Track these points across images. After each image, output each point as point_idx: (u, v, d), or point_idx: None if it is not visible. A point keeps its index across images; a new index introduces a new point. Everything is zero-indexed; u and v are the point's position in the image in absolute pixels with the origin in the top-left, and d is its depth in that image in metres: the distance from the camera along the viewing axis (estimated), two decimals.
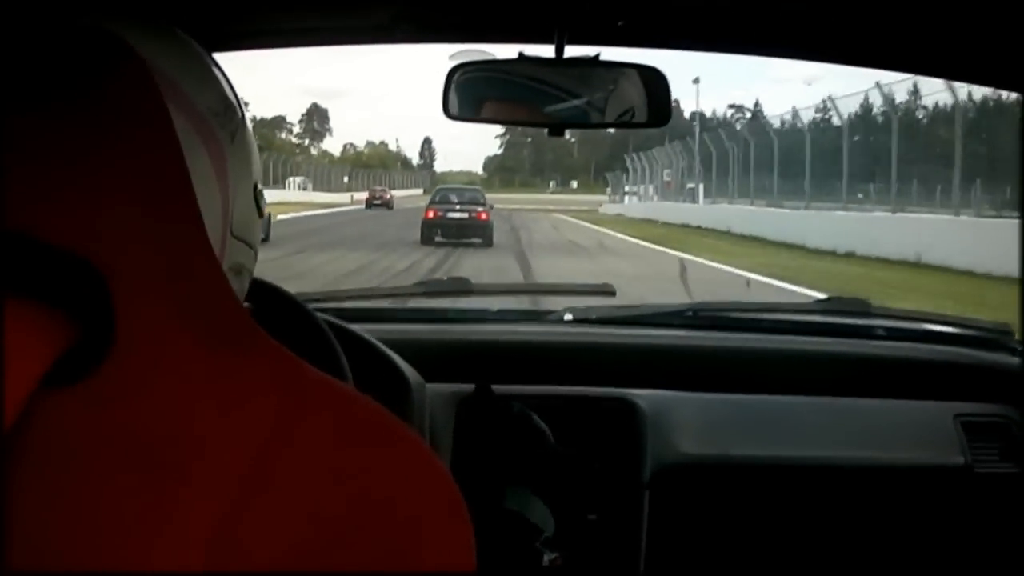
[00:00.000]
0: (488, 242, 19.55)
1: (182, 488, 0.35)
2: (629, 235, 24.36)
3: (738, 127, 34.78)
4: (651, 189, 43.58)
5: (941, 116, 18.72)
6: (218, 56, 0.66)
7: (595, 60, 1.19)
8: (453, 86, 1.21)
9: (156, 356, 0.37)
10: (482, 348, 1.30)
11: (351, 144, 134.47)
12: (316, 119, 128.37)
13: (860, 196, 20.19)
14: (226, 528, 0.35)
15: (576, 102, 1.22)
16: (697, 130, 38.60)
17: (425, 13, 1.21)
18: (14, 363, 0.33)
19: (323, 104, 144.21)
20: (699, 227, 26.54)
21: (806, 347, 1.68)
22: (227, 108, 0.60)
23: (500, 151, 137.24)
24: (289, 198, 40.64)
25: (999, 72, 1.29)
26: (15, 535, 0.33)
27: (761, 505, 1.43)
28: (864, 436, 1.48)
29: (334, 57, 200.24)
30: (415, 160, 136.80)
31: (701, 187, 34.08)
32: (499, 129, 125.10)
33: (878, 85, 16.71)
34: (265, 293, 0.90)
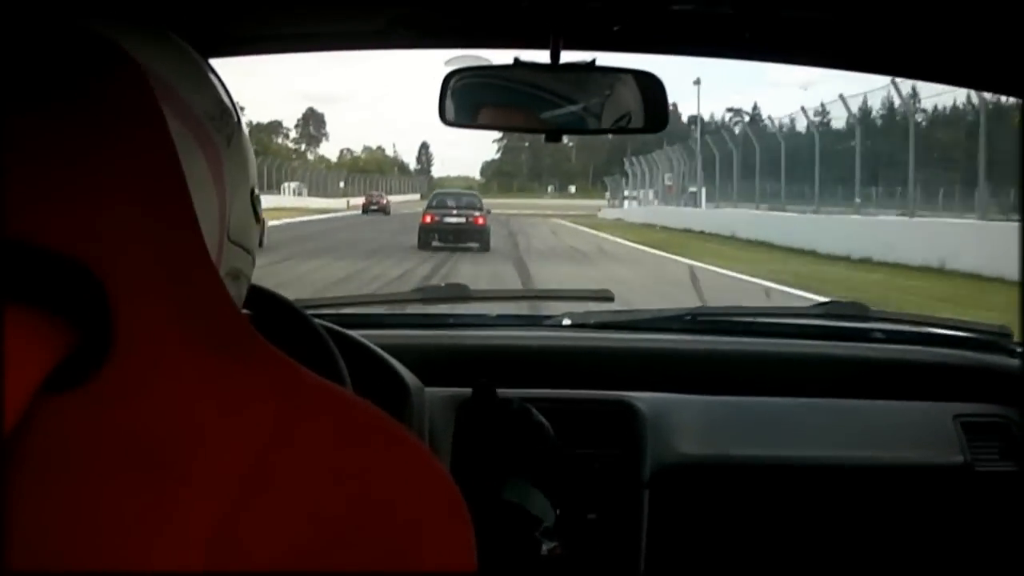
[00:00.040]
0: (485, 246, 19.57)
1: (182, 489, 0.35)
2: (630, 240, 23.88)
3: (736, 131, 34.12)
4: (651, 194, 42.95)
5: (941, 118, 18.03)
6: (215, 61, 0.67)
7: (591, 65, 1.19)
8: (449, 92, 1.22)
9: (155, 359, 0.37)
10: (481, 353, 1.30)
11: (348, 149, 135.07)
12: (312, 124, 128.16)
13: (858, 200, 19.94)
14: (226, 528, 0.35)
15: (572, 108, 1.22)
16: (698, 133, 38.01)
17: (422, 18, 1.21)
18: (14, 369, 0.34)
19: (320, 109, 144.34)
20: (702, 232, 26.14)
21: (805, 350, 1.68)
22: (223, 112, 0.60)
23: (498, 156, 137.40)
24: (284, 204, 40.36)
25: (998, 77, 1.29)
26: (15, 536, 0.33)
27: (761, 505, 1.43)
28: (864, 436, 1.48)
29: (332, 62, 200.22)
30: (412, 165, 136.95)
31: (703, 191, 33.32)
32: (497, 134, 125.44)
33: (894, 83, 15.91)
34: (263, 299, 0.90)
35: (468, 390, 1.28)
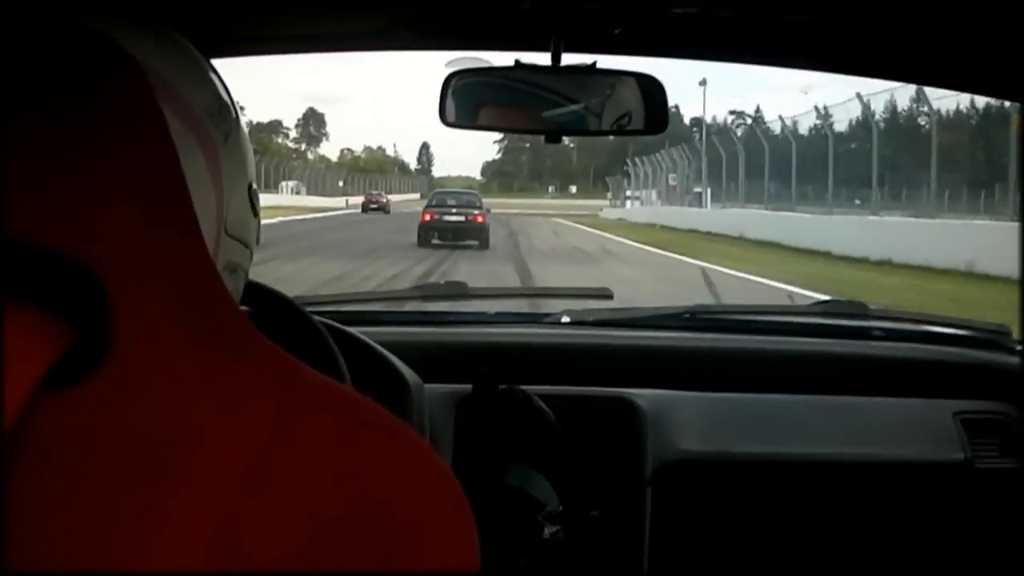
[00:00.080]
0: (485, 244, 19.65)
1: (181, 488, 0.35)
2: (635, 240, 23.28)
3: (739, 133, 33.51)
4: (653, 194, 42.07)
5: (945, 121, 17.36)
6: (215, 61, 0.66)
7: (592, 68, 1.20)
8: (450, 93, 1.22)
9: (154, 358, 0.37)
10: (480, 350, 1.30)
11: (348, 149, 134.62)
12: (312, 124, 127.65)
13: (858, 201, 19.62)
14: (226, 528, 0.35)
15: (573, 108, 1.23)
16: (703, 133, 37.27)
17: (421, 19, 1.22)
18: (13, 367, 0.34)
19: (322, 109, 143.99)
20: (708, 232, 25.50)
21: (805, 348, 1.68)
22: (221, 108, 0.61)
23: (499, 156, 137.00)
24: (281, 202, 39.97)
25: (997, 81, 1.29)
26: (15, 536, 0.33)
27: (763, 501, 1.43)
28: (864, 433, 1.48)
29: (333, 63, 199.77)
30: (413, 165, 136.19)
31: (708, 191, 32.45)
32: (497, 135, 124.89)
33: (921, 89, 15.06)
34: (262, 296, 0.91)
35: (467, 386, 1.28)
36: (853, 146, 20.56)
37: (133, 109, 0.42)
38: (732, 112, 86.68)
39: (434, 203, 22.10)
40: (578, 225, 34.75)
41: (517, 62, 1.19)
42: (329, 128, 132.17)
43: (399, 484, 0.39)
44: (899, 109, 19.42)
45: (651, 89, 1.20)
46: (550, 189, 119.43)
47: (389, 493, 0.38)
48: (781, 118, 23.05)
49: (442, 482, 0.40)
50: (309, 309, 0.98)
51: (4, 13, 0.41)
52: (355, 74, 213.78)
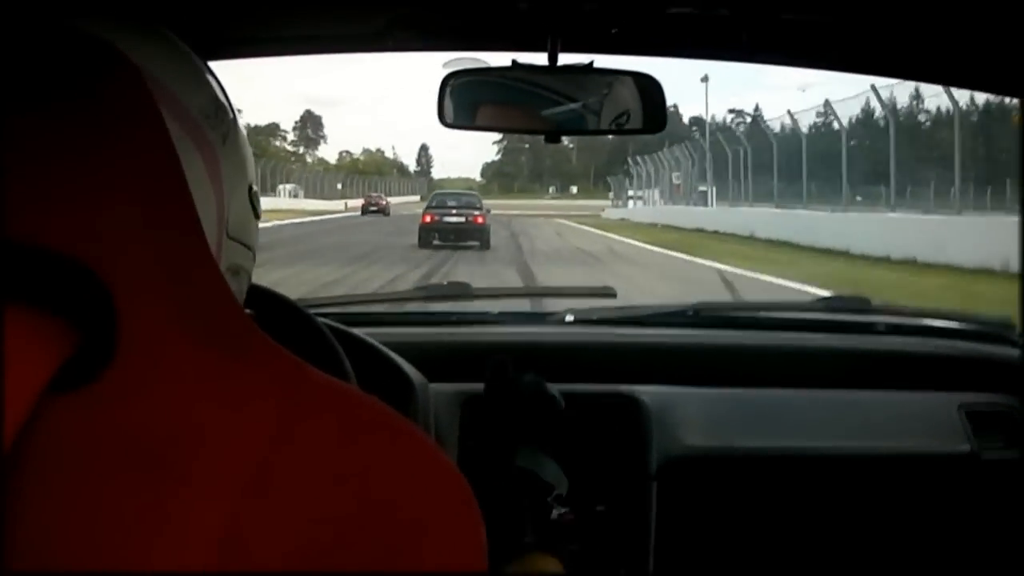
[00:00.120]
0: (485, 245, 19.68)
1: (184, 489, 0.35)
2: (642, 241, 22.46)
3: (739, 131, 32.86)
4: (655, 193, 41.24)
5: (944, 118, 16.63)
6: (213, 64, 0.67)
7: (589, 67, 1.21)
8: (448, 94, 1.23)
9: (157, 358, 0.38)
10: (484, 349, 1.29)
11: (347, 152, 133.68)
12: (310, 126, 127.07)
13: (859, 198, 19.23)
14: (229, 529, 0.35)
15: (572, 107, 1.23)
16: (707, 130, 36.47)
17: (419, 21, 1.22)
18: (18, 371, 0.34)
19: (320, 112, 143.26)
20: (716, 232, 24.61)
21: (808, 343, 1.68)
22: (218, 110, 0.61)
23: (498, 157, 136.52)
24: (279, 206, 39.49)
25: (997, 78, 1.30)
26: (17, 536, 0.33)
27: (768, 496, 1.44)
28: (868, 427, 1.48)
29: (331, 65, 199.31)
30: (412, 167, 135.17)
31: (713, 190, 31.59)
32: (497, 136, 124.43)
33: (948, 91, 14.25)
34: (266, 299, 0.91)
35: (472, 385, 1.30)
36: (867, 142, 19.78)
37: (132, 110, 0.42)
38: (731, 111, 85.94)
39: (434, 204, 22.01)
40: (581, 226, 34.13)
41: (514, 62, 1.20)
42: (327, 131, 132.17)
43: (404, 483, 0.39)
44: (921, 103, 18.76)
45: (649, 88, 1.21)
46: (551, 190, 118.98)
47: (393, 492, 0.38)
48: (790, 113, 22.21)
49: (448, 481, 0.40)
50: (312, 311, 0.98)
51: (4, 15, 0.41)
52: (353, 77, 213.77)
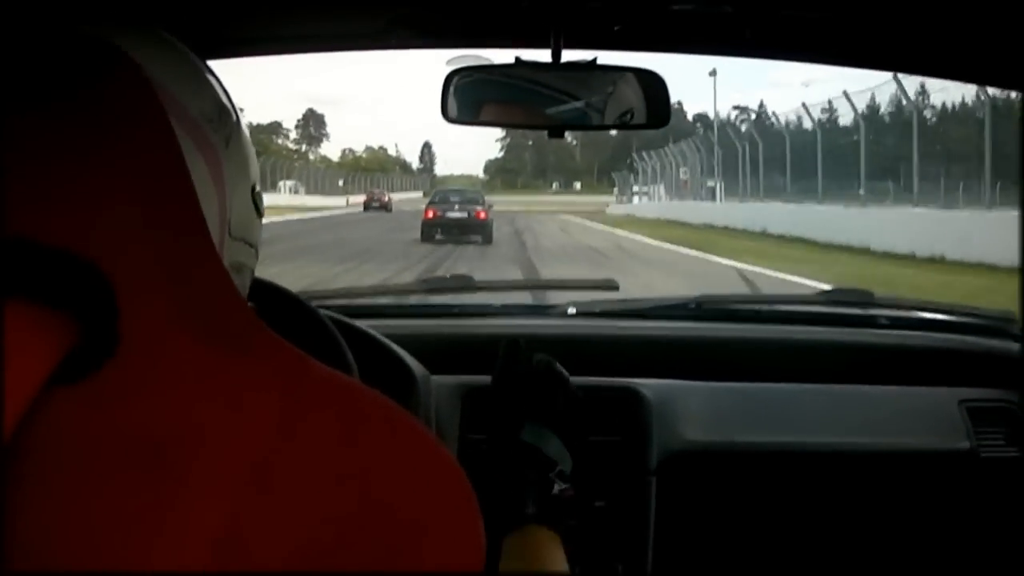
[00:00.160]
0: (488, 239, 19.73)
1: (184, 488, 0.35)
2: (650, 237, 21.72)
3: (743, 128, 32.20)
4: (660, 189, 40.40)
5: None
6: (216, 62, 0.69)
7: (592, 64, 1.21)
8: (451, 90, 1.22)
9: (158, 355, 0.38)
10: (486, 341, 1.25)
11: (350, 149, 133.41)
12: (312, 124, 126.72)
13: (861, 192, 18.53)
14: (230, 528, 0.35)
15: (575, 104, 1.23)
16: (716, 124, 35.59)
17: (422, 19, 1.22)
18: (18, 365, 0.34)
19: (323, 110, 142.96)
20: (726, 228, 23.67)
21: (810, 337, 1.68)
22: (221, 113, 0.61)
23: (501, 154, 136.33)
24: (279, 203, 38.85)
25: (1001, 72, 1.30)
26: (16, 534, 0.33)
27: (768, 490, 1.44)
28: (869, 422, 1.48)
29: (334, 64, 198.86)
30: (415, 165, 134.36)
31: (720, 185, 30.68)
32: (500, 133, 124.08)
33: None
34: (267, 292, 0.92)
35: (474, 378, 1.32)
36: (871, 136, 19.09)
37: (134, 109, 0.42)
38: (736, 107, 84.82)
39: (437, 200, 22.12)
40: (586, 222, 33.50)
41: (517, 59, 1.20)
42: (330, 129, 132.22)
43: (404, 480, 0.39)
44: (927, 99, 18.04)
45: (652, 84, 1.21)
46: (554, 186, 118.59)
47: (394, 491, 0.38)
48: (804, 105, 21.42)
49: (448, 477, 0.40)
50: (314, 303, 0.98)
51: (6, 16, 0.42)
52: (356, 75, 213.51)
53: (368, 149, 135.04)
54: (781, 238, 19.24)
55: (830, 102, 20.59)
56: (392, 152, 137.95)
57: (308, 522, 0.36)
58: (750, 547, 1.44)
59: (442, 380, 1.30)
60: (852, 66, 1.36)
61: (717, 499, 1.42)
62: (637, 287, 9.23)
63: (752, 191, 26.51)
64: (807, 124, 22.05)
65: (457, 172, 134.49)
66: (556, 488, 0.93)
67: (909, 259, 13.84)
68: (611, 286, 1.84)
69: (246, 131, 0.66)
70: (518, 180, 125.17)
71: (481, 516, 0.40)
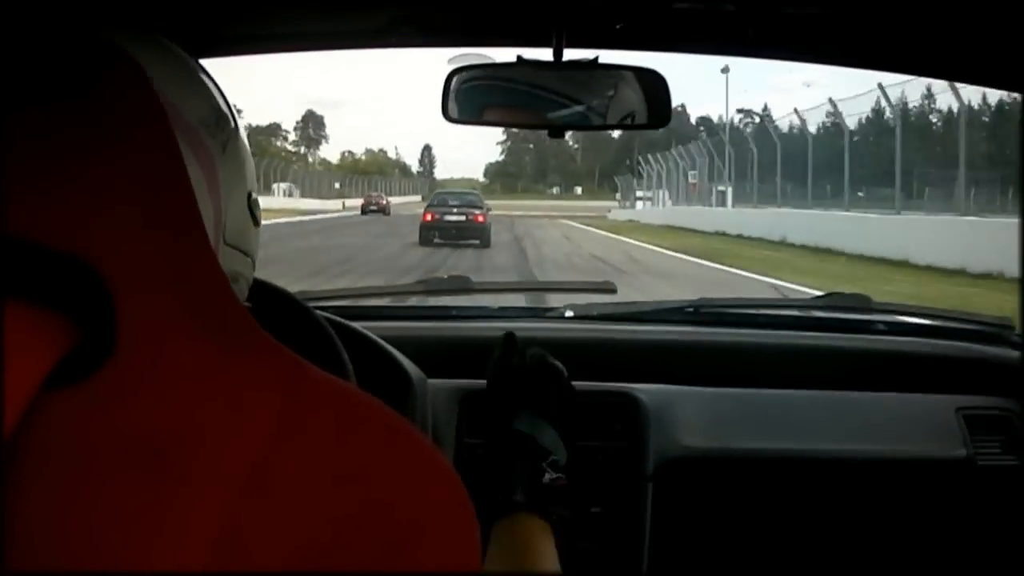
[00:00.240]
0: (486, 243, 19.74)
1: (183, 488, 0.35)
2: (661, 246, 20.25)
3: (747, 131, 30.74)
4: (664, 194, 38.75)
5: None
6: (215, 62, 0.70)
7: (594, 63, 1.21)
8: (452, 90, 1.23)
9: (156, 356, 0.38)
10: (483, 344, 1.22)
11: (349, 152, 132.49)
12: (312, 126, 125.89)
13: (861, 194, 17.96)
14: (229, 528, 0.35)
15: (576, 104, 1.23)
16: (727, 126, 33.98)
17: (423, 17, 1.23)
18: (16, 366, 0.34)
19: (323, 112, 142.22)
20: (740, 236, 22.07)
21: (807, 342, 1.67)
22: (219, 119, 0.61)
23: (501, 157, 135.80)
24: (272, 205, 37.20)
25: (1003, 73, 1.30)
26: (16, 535, 0.33)
27: (764, 497, 1.44)
28: (866, 429, 1.48)
29: (334, 66, 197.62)
30: (415, 167, 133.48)
31: (730, 190, 28.97)
32: (500, 135, 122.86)
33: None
34: (265, 293, 0.92)
35: (471, 382, 1.32)
36: (877, 139, 17.66)
37: (134, 108, 0.42)
38: (740, 110, 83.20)
39: (435, 203, 22.20)
40: (590, 228, 32.61)
41: (519, 58, 1.19)
42: (329, 131, 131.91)
43: (400, 484, 0.39)
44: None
45: (654, 84, 1.21)
46: (555, 190, 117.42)
47: (390, 493, 0.38)
48: (831, 101, 19.53)
49: (444, 482, 0.40)
50: (312, 304, 0.98)
51: (5, 15, 0.42)
52: (356, 77, 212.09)
53: (368, 151, 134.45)
54: (806, 248, 17.78)
55: (879, 86, 19.05)
56: (392, 155, 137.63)
57: (307, 522, 0.36)
58: (746, 554, 1.44)
59: (439, 384, 1.32)
60: (855, 66, 1.35)
61: (713, 505, 1.43)
62: None
63: (762, 196, 25.30)
64: (811, 128, 21.14)
65: (457, 175, 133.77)
66: (547, 477, 0.93)
67: (957, 273, 12.22)
68: (609, 289, 1.79)
69: (244, 137, 0.66)
70: (518, 184, 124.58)
71: (477, 521, 0.40)
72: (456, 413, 1.34)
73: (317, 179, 64.28)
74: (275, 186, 49.03)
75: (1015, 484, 1.41)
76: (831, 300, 1.85)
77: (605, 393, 1.41)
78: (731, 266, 14.04)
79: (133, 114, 0.42)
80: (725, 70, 40.07)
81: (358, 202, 48.08)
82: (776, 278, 11.56)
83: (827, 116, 21.09)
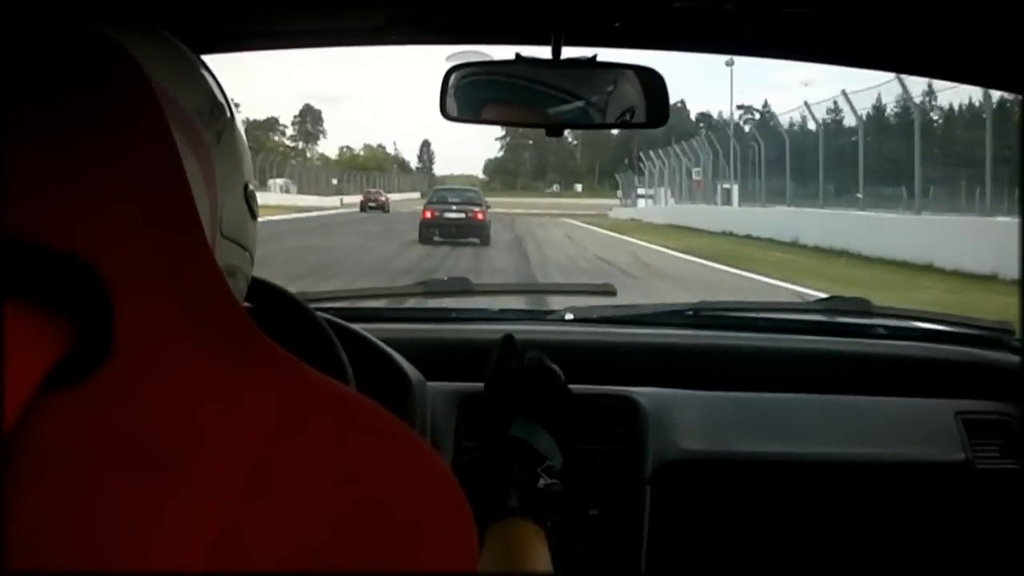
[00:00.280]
0: (485, 241, 19.79)
1: (182, 489, 0.35)
2: (669, 247, 19.40)
3: (747, 129, 30.04)
4: (667, 192, 37.99)
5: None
6: (214, 58, 0.68)
7: (592, 61, 1.22)
8: (451, 87, 1.23)
9: (155, 357, 0.38)
10: (483, 346, 1.23)
11: (347, 147, 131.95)
12: (309, 120, 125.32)
13: (858, 195, 17.38)
14: (227, 529, 0.35)
15: (574, 102, 1.23)
16: (732, 121, 33.16)
17: (422, 15, 1.24)
18: (14, 366, 0.34)
19: (321, 108, 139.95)
20: (748, 236, 21.37)
21: (807, 346, 1.68)
22: (214, 108, 0.61)
23: (501, 154, 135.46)
24: (268, 202, 35.82)
25: (1002, 73, 1.30)
26: (15, 536, 0.33)
27: (762, 501, 1.45)
28: (865, 433, 1.48)
29: (334, 62, 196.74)
30: (414, 163, 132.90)
31: (736, 188, 28.17)
32: (499, 132, 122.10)
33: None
34: (265, 293, 0.92)
35: (470, 385, 1.32)
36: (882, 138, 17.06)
37: (133, 106, 0.42)
38: (740, 107, 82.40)
39: (435, 200, 22.19)
40: (592, 227, 32.09)
41: (518, 55, 1.20)
42: (328, 126, 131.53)
43: (398, 486, 0.39)
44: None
45: (652, 82, 1.21)
46: (554, 187, 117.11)
47: (388, 495, 0.38)
48: (845, 93, 18.99)
49: (442, 485, 0.40)
50: (312, 305, 0.98)
51: (4, 12, 0.42)
52: (356, 72, 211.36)
53: (366, 147, 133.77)
54: (818, 250, 17.04)
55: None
56: (390, 150, 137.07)
57: (306, 522, 0.36)
58: (745, 556, 1.45)
59: (438, 387, 1.33)
60: (854, 66, 1.35)
61: (712, 509, 1.43)
62: None
63: (769, 194, 24.59)
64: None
65: (456, 172, 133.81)
66: (542, 482, 0.93)
67: (991, 280, 11.37)
68: (609, 291, 1.80)
69: (240, 128, 0.66)
70: (517, 181, 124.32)
71: (475, 525, 0.40)
72: (455, 416, 1.35)
73: (315, 175, 63.68)
74: (271, 182, 48.48)
75: (1014, 488, 1.43)
76: (831, 304, 1.86)
77: (604, 396, 1.43)
78: (747, 270, 13.27)
79: (132, 113, 0.41)
80: (730, 63, 39.22)
81: (356, 199, 47.60)
82: (800, 284, 10.88)
83: (828, 113, 20.78)
